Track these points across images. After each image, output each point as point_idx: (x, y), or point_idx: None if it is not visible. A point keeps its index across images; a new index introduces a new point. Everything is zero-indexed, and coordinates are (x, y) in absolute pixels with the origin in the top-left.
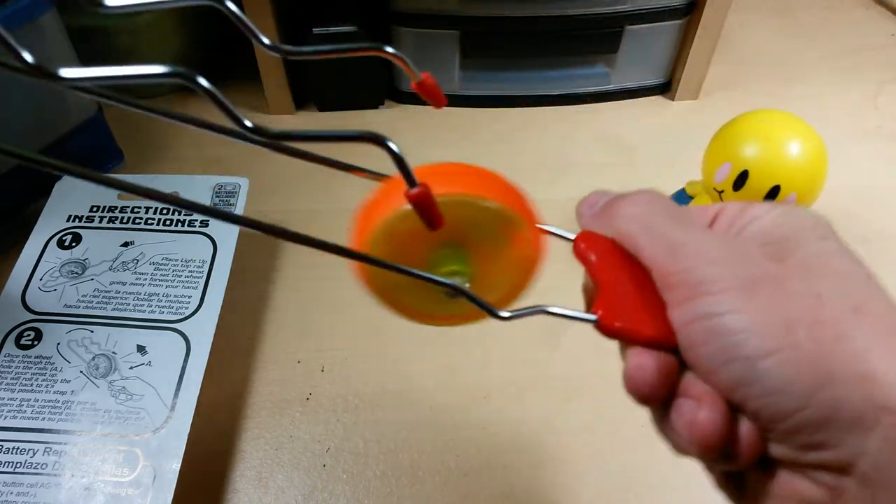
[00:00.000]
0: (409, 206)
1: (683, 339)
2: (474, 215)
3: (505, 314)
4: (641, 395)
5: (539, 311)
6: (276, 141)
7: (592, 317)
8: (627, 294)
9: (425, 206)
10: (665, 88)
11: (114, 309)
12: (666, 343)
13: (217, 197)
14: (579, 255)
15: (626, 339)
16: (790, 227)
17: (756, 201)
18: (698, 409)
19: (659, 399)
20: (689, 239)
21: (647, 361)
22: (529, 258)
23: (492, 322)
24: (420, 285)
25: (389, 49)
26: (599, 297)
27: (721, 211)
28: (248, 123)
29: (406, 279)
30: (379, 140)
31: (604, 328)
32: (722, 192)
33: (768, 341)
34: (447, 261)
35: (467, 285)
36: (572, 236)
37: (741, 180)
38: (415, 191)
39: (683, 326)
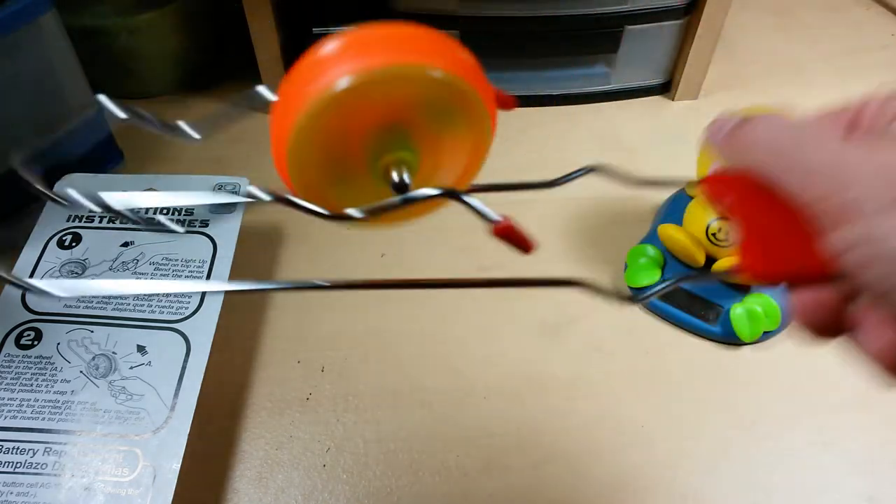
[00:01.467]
0: (341, 85)
1: (846, 265)
2: (418, 89)
3: (465, 197)
4: (813, 330)
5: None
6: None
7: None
8: (772, 230)
9: (512, 239)
10: (665, 88)
11: (114, 309)
12: (824, 275)
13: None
14: (711, 198)
15: (783, 279)
16: None
17: None
18: (881, 338)
19: (831, 331)
20: (827, 158)
21: (809, 298)
22: (482, 134)
23: (492, 320)
24: (356, 181)
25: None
26: (744, 241)
27: (860, 110)
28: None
29: (333, 176)
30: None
31: (754, 276)
32: None
33: None
34: (390, 146)
35: (407, 176)
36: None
37: None
38: (500, 225)
39: (843, 253)
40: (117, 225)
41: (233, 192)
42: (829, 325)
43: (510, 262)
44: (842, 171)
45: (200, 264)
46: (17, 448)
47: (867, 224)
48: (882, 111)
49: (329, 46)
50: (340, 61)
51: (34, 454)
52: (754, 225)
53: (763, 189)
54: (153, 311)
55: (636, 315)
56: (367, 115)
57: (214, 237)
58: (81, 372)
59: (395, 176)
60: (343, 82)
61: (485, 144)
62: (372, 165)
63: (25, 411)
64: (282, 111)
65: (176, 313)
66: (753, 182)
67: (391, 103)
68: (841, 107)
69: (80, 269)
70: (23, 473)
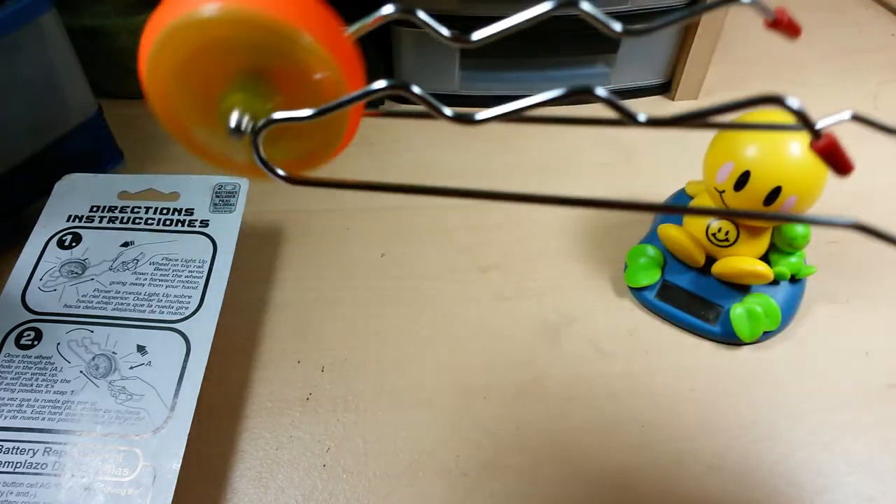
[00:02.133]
0: (209, 12)
1: None
2: (278, 43)
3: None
4: None
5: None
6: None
7: None
8: None
9: (833, 157)
10: (665, 88)
11: (114, 309)
12: None
13: (217, 197)
14: None
15: None
16: None
17: None
18: None
19: None
20: None
21: None
22: (339, 116)
23: (492, 320)
24: (213, 122)
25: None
26: None
27: None
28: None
29: (196, 115)
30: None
31: None
32: (723, 192)
33: None
34: (240, 89)
35: (247, 122)
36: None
37: (743, 181)
38: (821, 143)
39: None
40: (117, 225)
41: (232, 192)
42: None
43: (510, 263)
44: None
45: (200, 264)
46: (17, 448)
47: None
48: None
49: None
50: None
51: (34, 454)
52: None
53: None
54: (153, 311)
55: (636, 315)
56: (225, 51)
57: (214, 237)
58: (81, 372)
59: (233, 119)
60: (207, 9)
61: (338, 131)
62: (220, 105)
63: (25, 411)
64: (149, 27)
65: (176, 313)
66: None
67: (250, 46)
68: None
69: (80, 269)
70: (23, 473)
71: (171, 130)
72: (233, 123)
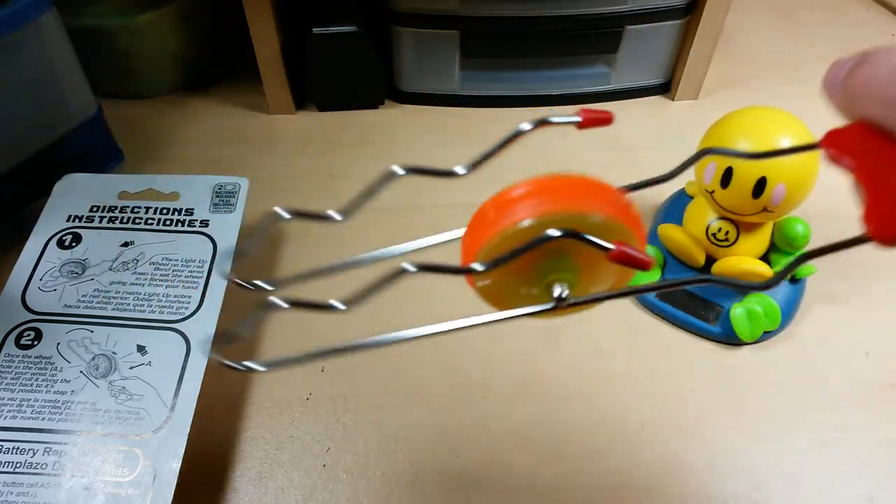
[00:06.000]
0: (526, 223)
1: None
2: (580, 228)
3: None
4: None
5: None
6: None
7: (861, 235)
8: None
9: (628, 262)
10: (665, 88)
11: (114, 309)
12: None
13: (217, 197)
14: (832, 160)
15: None
16: None
17: None
18: None
19: None
20: None
21: None
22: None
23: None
24: (525, 290)
25: None
26: (867, 205)
27: None
28: None
29: (508, 284)
30: None
31: (882, 240)
32: (713, 192)
33: None
34: (556, 268)
35: (566, 292)
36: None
37: (727, 178)
38: (615, 252)
39: None
40: (117, 225)
41: (232, 192)
42: None
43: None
44: None
45: (200, 264)
46: (17, 448)
47: None
48: None
49: (518, 190)
50: (524, 205)
51: (34, 454)
52: (882, 185)
53: (889, 143)
54: (153, 311)
55: (636, 315)
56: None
57: (214, 237)
58: (81, 372)
59: (556, 290)
60: (525, 223)
61: (629, 271)
62: (540, 280)
63: (25, 411)
64: (475, 233)
65: (176, 313)
66: (878, 136)
67: (560, 239)
68: None
69: (80, 269)
70: (23, 473)
71: (490, 300)
72: (556, 293)
